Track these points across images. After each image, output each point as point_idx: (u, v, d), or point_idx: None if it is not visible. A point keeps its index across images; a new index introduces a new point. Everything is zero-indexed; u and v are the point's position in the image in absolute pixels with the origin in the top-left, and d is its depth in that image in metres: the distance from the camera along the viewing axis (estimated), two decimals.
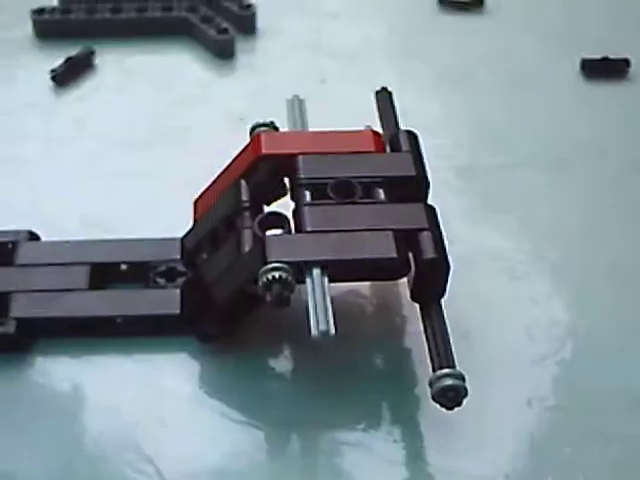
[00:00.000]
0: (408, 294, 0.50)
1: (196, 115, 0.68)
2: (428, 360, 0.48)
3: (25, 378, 0.53)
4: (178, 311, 0.53)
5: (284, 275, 0.46)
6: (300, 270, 0.47)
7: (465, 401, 0.47)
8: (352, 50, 0.75)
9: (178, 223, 0.56)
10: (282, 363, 0.53)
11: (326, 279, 0.47)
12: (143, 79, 0.72)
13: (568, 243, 0.59)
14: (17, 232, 0.57)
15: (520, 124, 0.68)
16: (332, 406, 0.51)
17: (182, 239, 0.55)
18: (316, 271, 0.47)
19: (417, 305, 0.50)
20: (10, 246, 0.56)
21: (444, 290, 0.48)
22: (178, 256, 0.55)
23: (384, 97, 0.57)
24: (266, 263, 0.46)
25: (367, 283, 0.55)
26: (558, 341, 0.54)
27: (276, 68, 0.73)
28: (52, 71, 0.71)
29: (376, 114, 0.57)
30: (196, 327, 0.52)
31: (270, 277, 0.46)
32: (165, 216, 0.58)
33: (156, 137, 0.66)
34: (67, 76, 0.71)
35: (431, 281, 0.48)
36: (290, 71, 0.73)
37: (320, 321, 0.45)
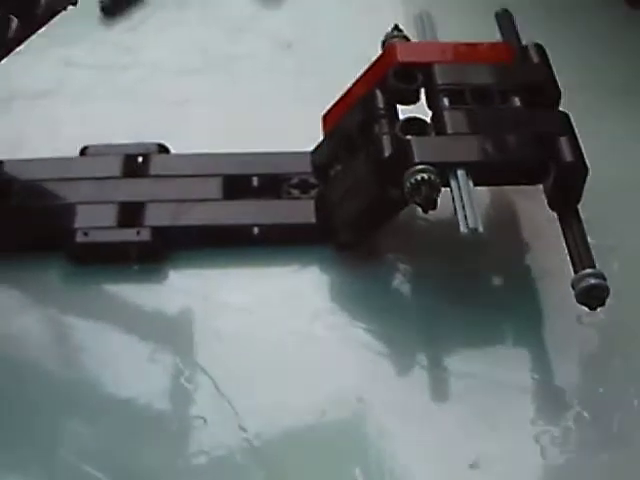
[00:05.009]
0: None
1: (245, 43, 0.67)
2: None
3: (161, 288, 0.54)
4: (314, 220, 0.53)
5: (432, 176, 0.46)
6: (443, 172, 0.47)
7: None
8: None
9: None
10: (414, 275, 0.53)
11: (471, 180, 0.47)
12: (193, 10, 0.70)
13: None
14: (147, 144, 0.57)
15: None
16: (466, 321, 0.51)
17: (312, 152, 0.56)
18: (461, 172, 0.47)
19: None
20: (141, 159, 0.57)
21: (580, 195, 0.49)
22: (309, 169, 0.55)
23: (504, 16, 0.57)
24: (412, 165, 0.47)
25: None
26: None
27: None
28: (101, 2, 0.68)
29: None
30: (332, 236, 0.53)
31: (418, 178, 0.46)
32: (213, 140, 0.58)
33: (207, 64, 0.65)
34: (116, 6, 0.69)
35: (570, 186, 0.49)
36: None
37: (468, 218, 0.46)
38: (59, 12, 0.47)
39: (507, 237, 0.55)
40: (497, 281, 0.54)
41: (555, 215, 0.50)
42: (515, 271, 0.54)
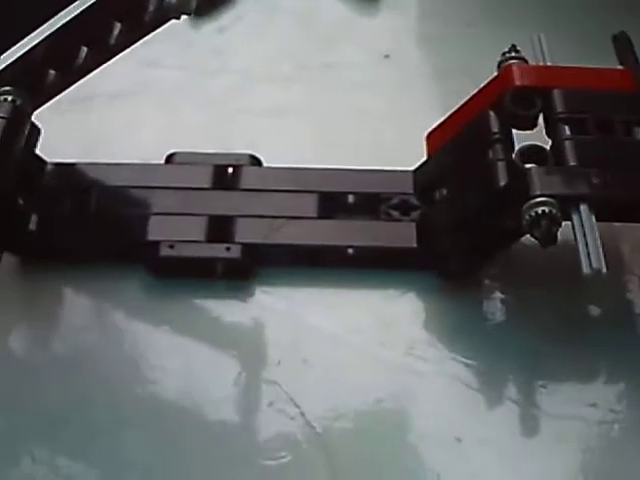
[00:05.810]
0: None
1: (340, 51, 0.64)
2: None
3: (247, 306, 0.51)
4: (415, 245, 0.51)
5: (553, 210, 0.44)
6: (564, 206, 0.44)
7: None
8: None
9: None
10: (516, 306, 0.51)
11: (593, 215, 0.44)
12: (285, 15, 0.67)
13: None
14: (238, 155, 0.55)
15: None
16: (567, 358, 0.49)
17: (415, 172, 0.53)
18: (584, 207, 0.44)
19: None
20: (231, 170, 0.54)
21: None
22: (410, 189, 0.53)
23: (622, 40, 0.54)
24: (531, 197, 0.44)
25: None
26: None
27: (421, 9, 0.67)
28: None
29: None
30: (436, 263, 0.50)
31: (538, 212, 0.44)
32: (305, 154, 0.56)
33: (300, 73, 0.62)
34: (205, 7, 0.65)
35: None
36: (435, 12, 0.67)
37: (592, 259, 0.43)
38: (169, 20, 0.44)
39: (614, 270, 0.51)
40: (602, 316, 0.51)
41: None
42: (620, 306, 0.51)
